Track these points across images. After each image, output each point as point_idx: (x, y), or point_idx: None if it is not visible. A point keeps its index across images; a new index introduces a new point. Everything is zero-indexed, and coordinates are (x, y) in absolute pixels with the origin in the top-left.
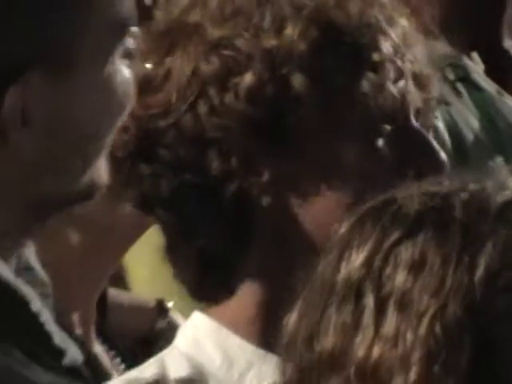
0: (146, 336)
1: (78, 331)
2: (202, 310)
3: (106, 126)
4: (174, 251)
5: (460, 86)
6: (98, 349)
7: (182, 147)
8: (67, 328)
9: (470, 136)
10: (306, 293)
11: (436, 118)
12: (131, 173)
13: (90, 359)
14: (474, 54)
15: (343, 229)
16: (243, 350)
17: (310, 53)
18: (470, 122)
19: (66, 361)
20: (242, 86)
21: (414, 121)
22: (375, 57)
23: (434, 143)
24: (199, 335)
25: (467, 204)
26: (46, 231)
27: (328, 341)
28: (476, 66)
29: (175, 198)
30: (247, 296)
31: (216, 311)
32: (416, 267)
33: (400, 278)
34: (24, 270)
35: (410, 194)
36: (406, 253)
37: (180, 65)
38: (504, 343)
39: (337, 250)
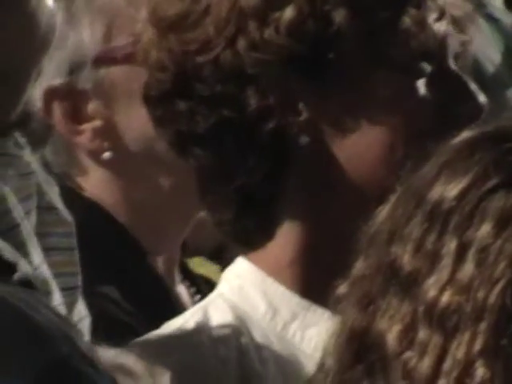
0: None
1: (162, 272)
2: (245, 253)
3: (30, 60)
4: (210, 192)
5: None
6: (181, 289)
7: (220, 83)
8: (153, 269)
9: (490, 68)
10: (399, 191)
11: None
12: (167, 110)
13: (172, 298)
14: None
15: (452, 144)
16: (287, 299)
17: None
18: (489, 54)
19: (18, 274)
20: (282, 20)
21: (452, 63)
22: None
23: (473, 87)
24: (244, 283)
25: None
26: (135, 174)
27: (404, 255)
28: None
29: (212, 134)
30: (288, 240)
31: (258, 256)
32: (502, 222)
33: (484, 229)
34: (46, 210)
35: None
36: (498, 203)
37: (218, 0)
38: None
39: (438, 162)
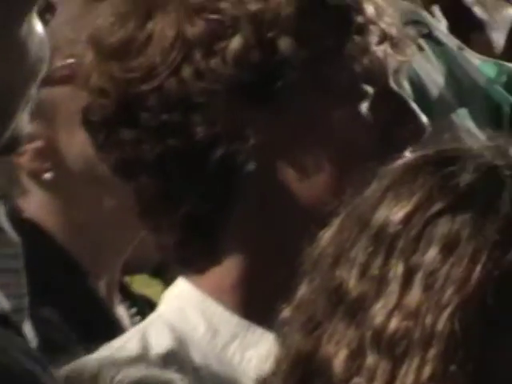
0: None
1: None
2: (186, 276)
3: (19, 88)
4: (154, 216)
5: (422, 42)
6: (121, 311)
7: (165, 112)
8: (93, 290)
9: (433, 90)
10: (343, 215)
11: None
12: (110, 137)
13: (112, 320)
14: (436, 10)
15: (395, 168)
16: (227, 320)
17: (297, 16)
18: (434, 77)
19: None
20: (229, 50)
21: (394, 85)
22: (360, 19)
23: (415, 106)
24: (184, 304)
25: None
26: (76, 195)
27: (350, 279)
28: (437, 21)
29: (159, 163)
30: (232, 264)
31: (200, 278)
32: (448, 247)
33: (431, 254)
34: None
35: (470, 157)
36: (443, 228)
37: (162, 28)
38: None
39: (381, 186)
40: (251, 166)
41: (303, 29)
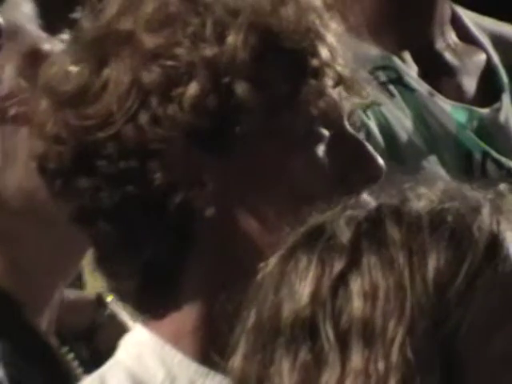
0: (86, 329)
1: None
2: (145, 322)
3: None
4: (113, 263)
5: (392, 88)
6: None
7: (123, 159)
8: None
9: (403, 136)
10: (246, 335)
11: (369, 118)
12: (67, 185)
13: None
14: (407, 55)
15: (272, 264)
16: (186, 367)
17: (252, 60)
18: (404, 123)
19: None
20: (185, 96)
21: (348, 126)
22: (315, 62)
23: (371, 149)
24: (142, 351)
25: (397, 221)
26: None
27: (286, 382)
28: (408, 67)
29: (117, 210)
30: (190, 310)
31: (159, 325)
32: (371, 296)
33: (357, 308)
34: None
35: (337, 220)
36: (355, 283)
37: (117, 75)
38: (468, 356)
39: (271, 287)
40: (209, 212)
41: (258, 74)
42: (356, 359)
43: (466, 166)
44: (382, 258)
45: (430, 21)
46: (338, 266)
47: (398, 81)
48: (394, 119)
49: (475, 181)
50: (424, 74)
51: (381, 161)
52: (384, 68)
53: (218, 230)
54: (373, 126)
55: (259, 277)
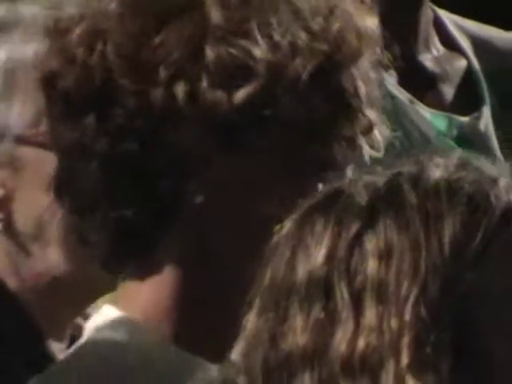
0: None
1: None
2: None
3: None
4: (91, 214)
5: None
6: None
7: (140, 117)
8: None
9: (380, 143)
10: (260, 294)
11: None
12: (70, 116)
13: None
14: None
15: (288, 228)
16: (162, 350)
17: (309, 81)
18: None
19: None
20: (238, 92)
21: None
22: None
23: None
24: (111, 331)
25: (414, 186)
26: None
27: (299, 339)
28: (389, 74)
29: (113, 161)
30: (161, 287)
31: (128, 303)
32: (385, 255)
33: (371, 268)
34: None
35: (354, 185)
36: (371, 243)
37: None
38: (481, 318)
39: (288, 250)
40: (199, 199)
41: (309, 95)
42: (370, 316)
43: None
44: (398, 219)
45: (412, 30)
46: (355, 226)
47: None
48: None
49: None
50: (405, 82)
51: None
52: None
53: (202, 218)
54: None
55: (274, 239)
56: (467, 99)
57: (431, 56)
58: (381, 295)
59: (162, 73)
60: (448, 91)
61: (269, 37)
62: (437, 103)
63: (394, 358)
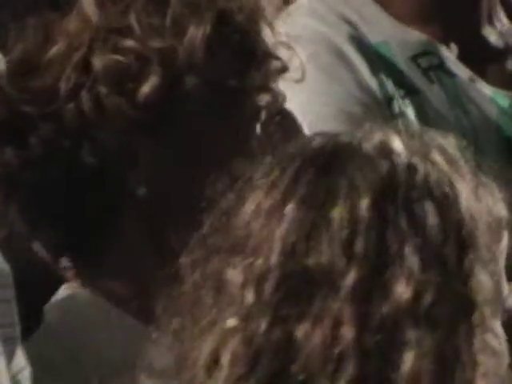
0: None
1: None
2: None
3: None
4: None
5: (432, 74)
6: None
7: (58, 139)
8: None
9: (441, 124)
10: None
11: (406, 106)
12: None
13: None
14: (452, 41)
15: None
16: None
17: (206, 55)
18: (441, 111)
19: None
20: (137, 93)
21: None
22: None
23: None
24: (72, 308)
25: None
26: None
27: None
28: (451, 52)
29: (44, 182)
30: (121, 277)
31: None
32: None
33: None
34: None
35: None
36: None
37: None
38: None
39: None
40: (141, 191)
41: (211, 68)
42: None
43: (507, 153)
44: None
45: (476, 6)
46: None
47: (440, 67)
48: (432, 107)
49: None
50: (468, 60)
51: None
52: (427, 54)
53: (148, 209)
54: (410, 113)
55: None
56: None
57: (495, 30)
58: None
59: (62, 91)
60: None
61: (150, 25)
62: (500, 80)
63: None
